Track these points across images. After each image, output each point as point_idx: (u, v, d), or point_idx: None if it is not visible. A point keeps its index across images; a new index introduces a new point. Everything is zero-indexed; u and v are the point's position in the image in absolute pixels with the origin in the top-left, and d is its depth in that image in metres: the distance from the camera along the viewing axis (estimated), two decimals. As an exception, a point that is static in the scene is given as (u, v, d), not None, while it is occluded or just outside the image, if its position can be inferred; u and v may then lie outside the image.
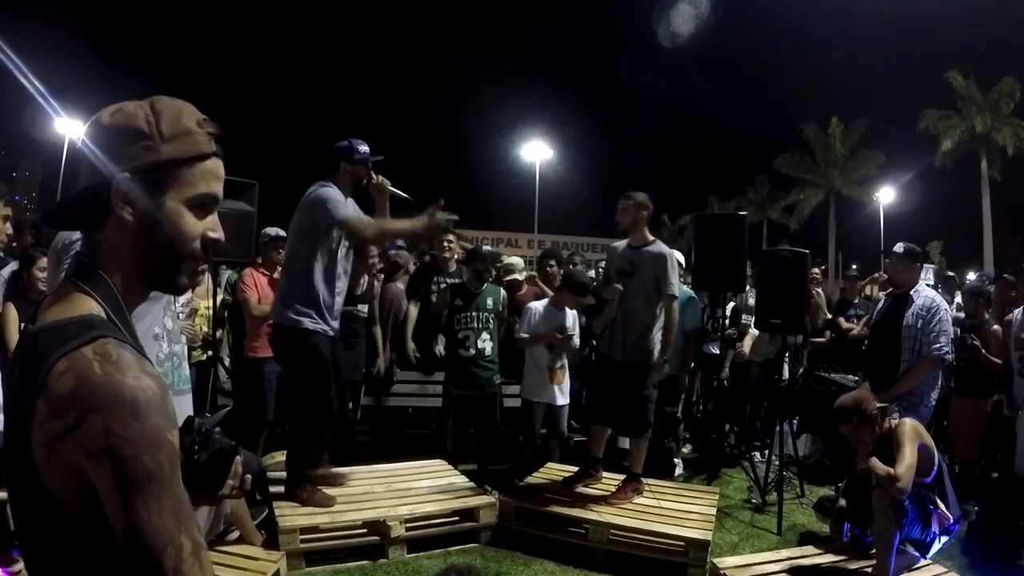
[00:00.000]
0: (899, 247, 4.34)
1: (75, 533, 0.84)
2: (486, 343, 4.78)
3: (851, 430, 3.36)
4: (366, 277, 5.00)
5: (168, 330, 1.96)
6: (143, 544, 0.80)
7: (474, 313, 4.77)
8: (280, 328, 3.69)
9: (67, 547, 0.85)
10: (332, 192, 3.62)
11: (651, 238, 4.32)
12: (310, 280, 3.61)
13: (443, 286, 5.37)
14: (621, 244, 4.42)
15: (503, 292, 5.04)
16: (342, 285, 3.79)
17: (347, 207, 3.62)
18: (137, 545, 0.80)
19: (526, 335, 4.80)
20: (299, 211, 3.69)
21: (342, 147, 3.76)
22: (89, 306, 0.89)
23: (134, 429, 0.80)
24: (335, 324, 3.77)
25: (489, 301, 4.83)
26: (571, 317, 4.91)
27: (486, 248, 5.33)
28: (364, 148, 3.77)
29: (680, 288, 5.45)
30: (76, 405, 0.79)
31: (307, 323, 3.61)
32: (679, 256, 5.57)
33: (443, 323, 4.96)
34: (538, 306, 4.94)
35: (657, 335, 4.19)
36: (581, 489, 4.27)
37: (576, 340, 4.96)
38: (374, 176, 3.77)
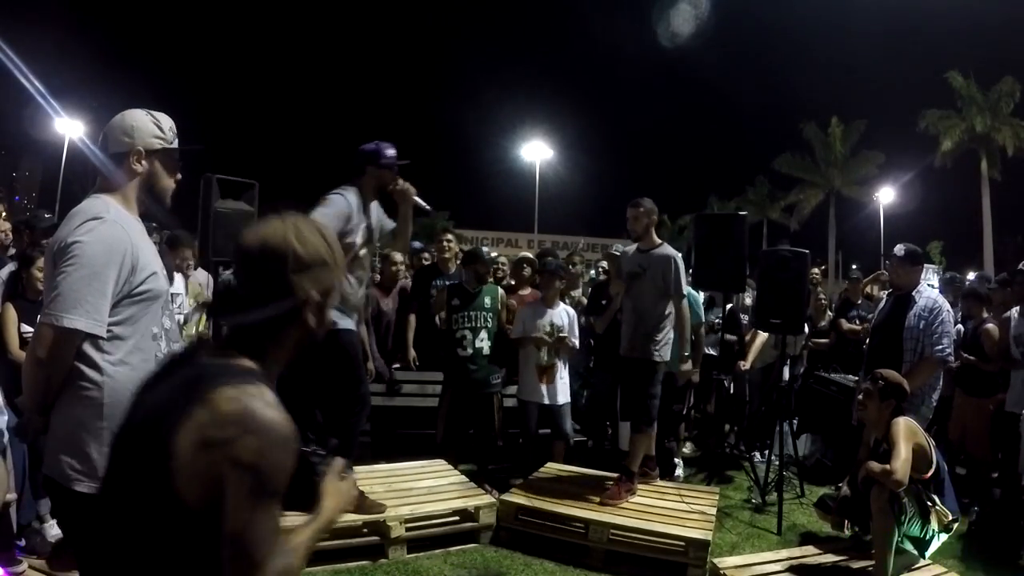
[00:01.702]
0: (899, 249, 4.35)
1: (185, 523, 1.03)
2: (483, 342, 4.78)
3: (868, 393, 3.52)
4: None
5: (166, 329, 1.95)
6: (250, 542, 1.02)
7: (472, 312, 4.78)
8: None
9: (171, 534, 1.03)
10: (339, 201, 3.48)
11: (658, 241, 4.50)
12: None
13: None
14: (631, 248, 4.60)
15: (501, 291, 5.05)
16: (362, 280, 3.79)
17: (334, 218, 3.43)
18: (245, 542, 1.01)
19: (518, 335, 4.86)
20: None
21: (368, 150, 3.65)
22: (250, 366, 1.17)
23: (278, 457, 1.05)
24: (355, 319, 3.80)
25: (487, 300, 4.84)
26: (563, 316, 4.91)
27: (485, 249, 5.35)
28: (391, 152, 3.66)
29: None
30: (239, 425, 1.03)
31: (341, 322, 3.60)
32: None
33: (441, 324, 4.95)
34: (528, 307, 4.95)
35: (664, 333, 4.31)
36: (581, 489, 4.27)
37: (573, 340, 4.94)
38: (400, 182, 3.68)
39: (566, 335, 4.88)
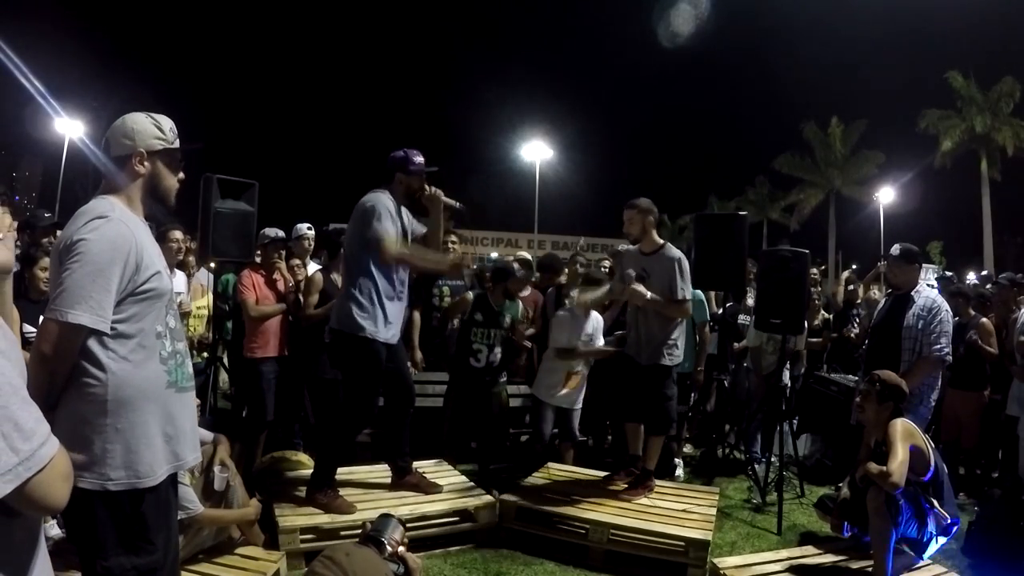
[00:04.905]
0: (896, 249, 4.38)
1: None
2: (496, 355, 4.86)
3: (865, 395, 3.54)
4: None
5: (171, 328, 1.96)
6: None
7: (492, 330, 4.82)
8: (338, 333, 3.71)
9: None
10: (381, 203, 3.61)
11: (660, 242, 4.29)
12: (367, 286, 3.63)
13: (444, 286, 5.40)
14: (632, 249, 4.41)
15: (520, 305, 5.07)
16: (401, 290, 3.80)
17: (389, 221, 3.59)
18: None
19: (565, 347, 4.77)
20: (352, 218, 3.71)
21: (398, 158, 3.77)
22: None
23: None
24: (395, 331, 3.78)
25: (507, 318, 4.88)
26: (595, 323, 4.91)
27: (515, 265, 5.23)
28: (419, 159, 3.79)
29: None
30: None
31: (367, 330, 3.62)
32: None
33: (450, 325, 4.96)
34: (564, 315, 4.93)
35: (675, 336, 4.21)
36: (581, 489, 4.27)
37: (599, 346, 4.93)
38: (427, 188, 3.80)
39: (610, 343, 4.90)
